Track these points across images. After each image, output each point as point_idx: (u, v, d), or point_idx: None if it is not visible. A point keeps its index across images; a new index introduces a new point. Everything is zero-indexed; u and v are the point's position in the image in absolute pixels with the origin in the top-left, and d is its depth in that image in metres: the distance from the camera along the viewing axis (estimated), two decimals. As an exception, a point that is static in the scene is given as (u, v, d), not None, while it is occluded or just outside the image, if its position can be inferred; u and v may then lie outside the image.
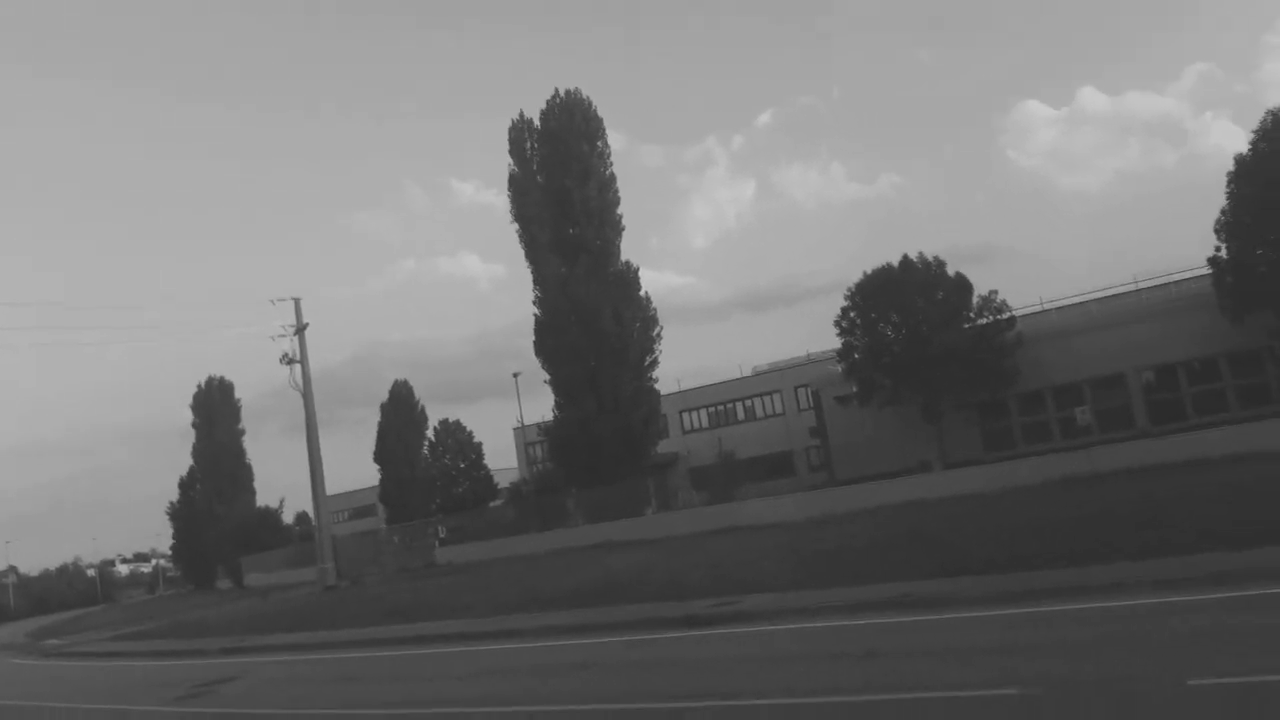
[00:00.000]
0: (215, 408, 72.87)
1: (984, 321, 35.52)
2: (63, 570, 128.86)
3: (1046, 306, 42.72)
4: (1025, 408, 36.91)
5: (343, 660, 16.80)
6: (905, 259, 36.91)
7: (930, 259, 36.77)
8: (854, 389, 37.77)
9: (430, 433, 61.05)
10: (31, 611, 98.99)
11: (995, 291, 35.89)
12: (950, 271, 36.43)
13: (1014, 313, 35.98)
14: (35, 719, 15.80)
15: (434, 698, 11.19)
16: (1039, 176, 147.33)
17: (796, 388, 51.50)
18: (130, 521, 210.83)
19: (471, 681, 11.98)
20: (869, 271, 37.33)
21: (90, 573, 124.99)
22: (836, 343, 38.08)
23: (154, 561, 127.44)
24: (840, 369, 38.52)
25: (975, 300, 35.85)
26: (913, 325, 35.51)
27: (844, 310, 37.20)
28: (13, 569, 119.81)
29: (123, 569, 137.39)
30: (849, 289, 37.30)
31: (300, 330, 39.98)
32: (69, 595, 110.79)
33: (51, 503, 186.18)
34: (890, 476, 31.87)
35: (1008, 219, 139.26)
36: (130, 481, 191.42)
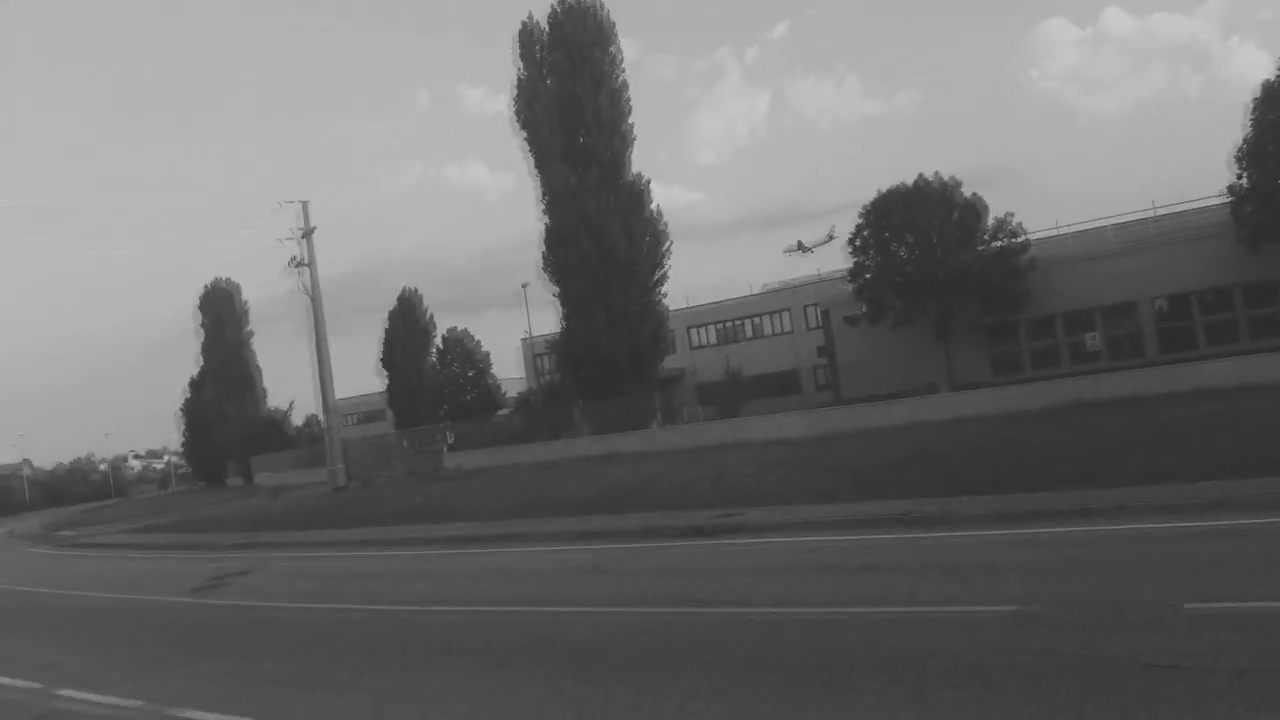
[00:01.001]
0: (222, 310, 73.17)
1: (998, 245, 35.21)
2: (76, 465, 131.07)
3: (1061, 231, 42.27)
4: (1035, 332, 36.84)
5: (354, 558, 17.21)
6: (920, 179, 36.42)
7: (945, 179, 36.27)
8: (864, 309, 37.68)
9: (438, 341, 61.34)
10: (45, 504, 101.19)
11: (1010, 214, 35.48)
12: (965, 193, 36.00)
13: (1028, 236, 35.62)
14: (55, 606, 16.27)
15: (447, 595, 11.50)
16: (1059, 98, 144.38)
17: (806, 307, 51.37)
18: (142, 419, 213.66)
19: (484, 581, 12.30)
20: (883, 191, 36.91)
21: (103, 468, 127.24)
22: (848, 262, 37.87)
23: (166, 458, 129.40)
24: (851, 289, 38.35)
25: (990, 223, 35.48)
26: (926, 246, 35.24)
27: (857, 229, 36.88)
28: (26, 462, 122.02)
29: (135, 465, 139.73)
30: (862, 208, 36.91)
31: (308, 234, 39.83)
32: (82, 489, 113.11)
33: (65, 399, 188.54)
34: (897, 397, 32.01)
35: (1025, 141, 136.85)
36: (142, 380, 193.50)
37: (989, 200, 35.88)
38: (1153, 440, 15.69)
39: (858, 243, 36.80)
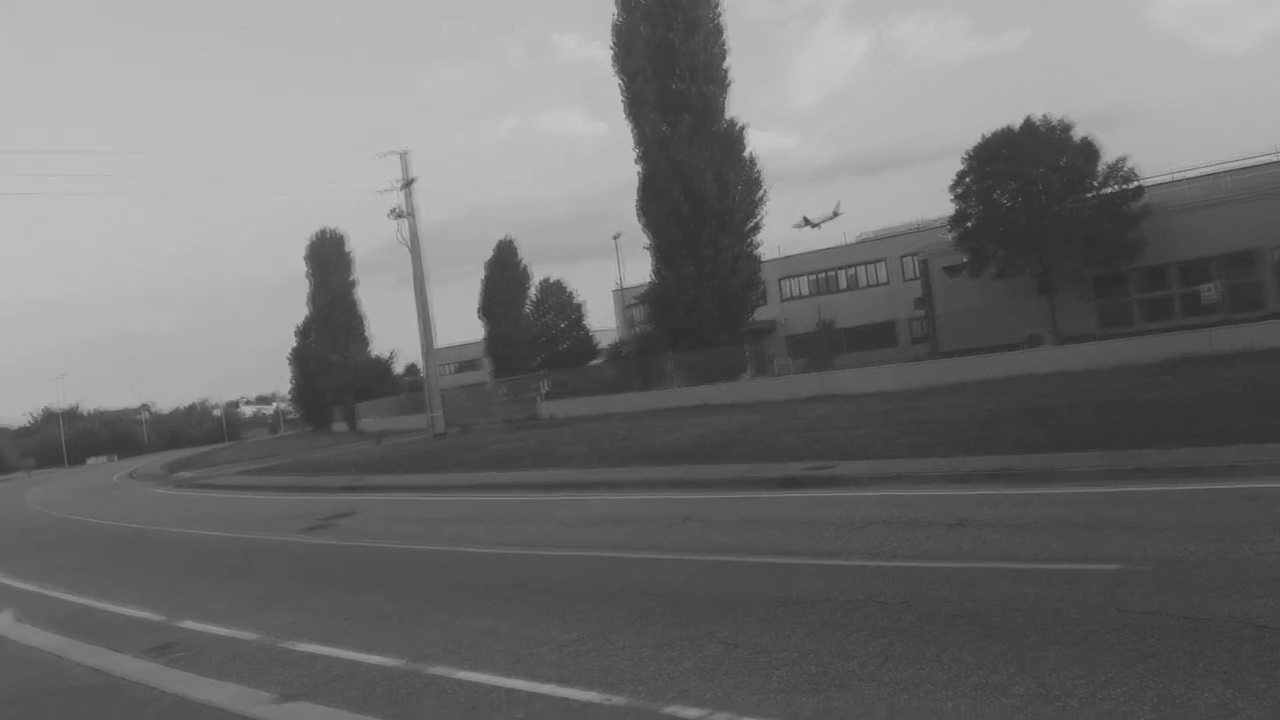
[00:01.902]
0: (328, 259, 75.47)
1: (1109, 190, 33.66)
2: (191, 409, 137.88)
3: (1177, 176, 40.23)
4: (1147, 283, 35.28)
5: (454, 501, 17.73)
6: (1028, 121, 34.96)
7: (1055, 122, 34.74)
8: (964, 258, 36.61)
9: (533, 291, 62.15)
10: (164, 446, 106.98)
11: (1124, 158, 33.83)
12: (1076, 136, 34.44)
13: (1142, 182, 33.94)
14: (174, 542, 17.23)
15: (543, 539, 11.78)
16: (1178, 35, 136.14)
17: (903, 256, 50.23)
18: (253, 366, 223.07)
19: (578, 527, 12.54)
20: (988, 134, 35.56)
21: (216, 412, 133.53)
22: (949, 210, 36.77)
23: (275, 404, 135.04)
24: (951, 237, 37.27)
25: (1101, 168, 33.90)
26: (1032, 193, 33.93)
27: (959, 175, 35.69)
28: (146, 406, 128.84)
29: (246, 410, 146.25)
30: (966, 153, 35.68)
31: (408, 184, 40.57)
32: (197, 433, 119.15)
33: (181, 346, 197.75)
34: (997, 350, 31.18)
35: (1141, 81, 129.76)
36: (252, 328, 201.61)
37: (1101, 144, 34.28)
38: (1269, 397, 14.94)
39: (960, 190, 35.63)
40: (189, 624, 9.26)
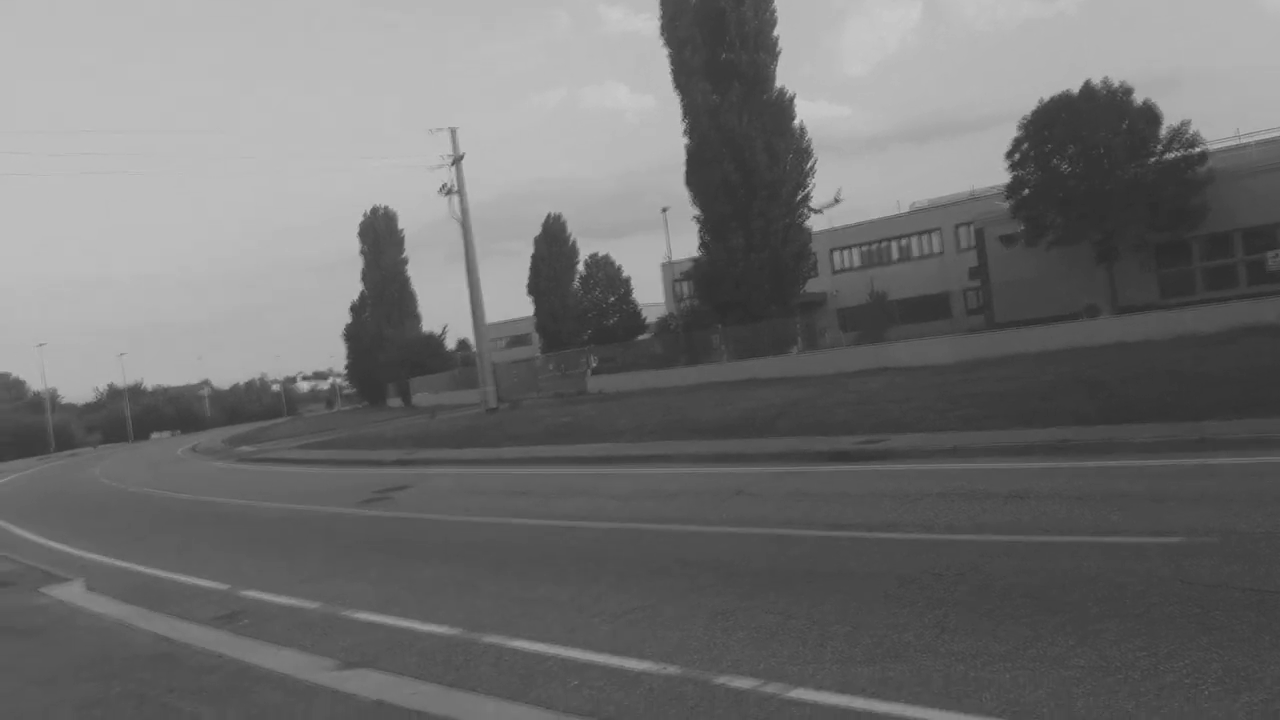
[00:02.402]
0: (380, 236, 76.37)
1: (1172, 156, 32.68)
2: (250, 385, 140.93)
3: (1243, 140, 38.93)
4: (1210, 250, 34.28)
5: (506, 475, 17.92)
6: (1087, 85, 34.01)
7: (1115, 85, 33.75)
8: (1021, 227, 35.86)
9: (581, 266, 62.32)
10: (225, 421, 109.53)
11: (1187, 122, 32.76)
12: (1137, 100, 33.45)
13: (1206, 146, 32.87)
14: (236, 515, 17.67)
15: (594, 512, 11.86)
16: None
17: (957, 226, 49.36)
18: (309, 342, 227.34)
19: (629, 500, 12.60)
20: (1045, 100, 34.68)
21: (275, 388, 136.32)
22: (1004, 178, 36.01)
23: (331, 379, 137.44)
24: (1007, 206, 36.51)
25: (1163, 132, 32.91)
26: (1091, 159, 33.05)
27: (1016, 142, 34.87)
28: (206, 382, 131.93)
29: (303, 385, 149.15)
30: (1022, 119, 34.82)
31: (457, 160, 40.77)
32: (256, 408, 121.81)
33: (239, 323, 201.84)
34: (1054, 321, 30.56)
35: (1204, 43, 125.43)
36: (308, 305, 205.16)
37: (1163, 108, 33.25)
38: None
39: (1016, 156, 34.83)
40: (252, 593, 9.50)
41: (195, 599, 9.63)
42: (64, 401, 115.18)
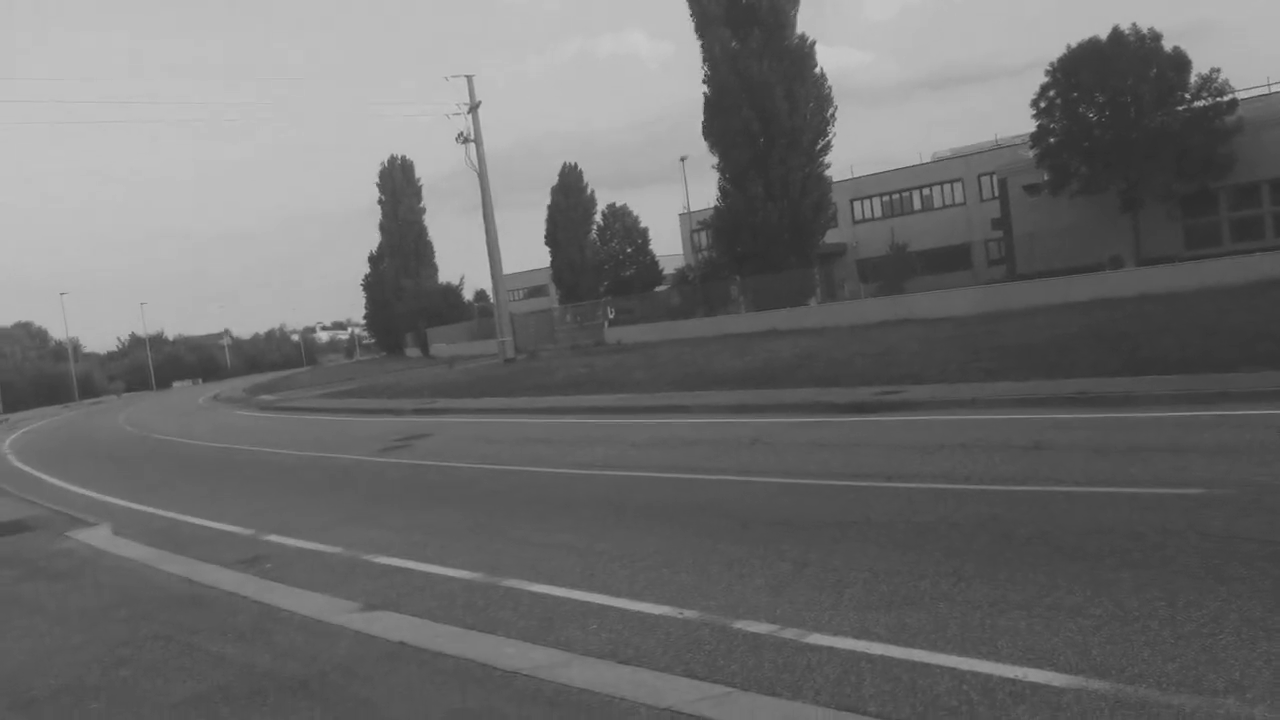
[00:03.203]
0: (398, 186, 76.11)
1: (1201, 104, 32.03)
2: (270, 335, 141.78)
3: (1274, 89, 38.09)
4: (1237, 201, 33.71)
5: (525, 424, 18.02)
6: (1115, 31, 33.26)
7: (1144, 32, 32.98)
8: (1046, 176, 35.35)
9: (598, 217, 61.98)
10: (245, 370, 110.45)
11: (1216, 70, 32.08)
12: (1166, 47, 32.70)
13: (1235, 95, 32.19)
14: (259, 462, 17.88)
15: (612, 460, 11.93)
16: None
17: (980, 176, 48.70)
18: (328, 293, 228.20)
19: (646, 448, 12.66)
20: (1073, 45, 33.97)
21: (294, 338, 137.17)
22: (1029, 126, 35.44)
23: (350, 329, 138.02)
24: (1032, 154, 35.95)
25: (1192, 80, 32.24)
26: (1119, 106, 32.44)
27: (1042, 89, 34.24)
28: (226, 332, 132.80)
29: (322, 335, 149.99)
30: (1049, 65, 34.17)
31: (474, 108, 40.42)
32: (276, 357, 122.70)
33: (258, 273, 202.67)
34: (1077, 272, 30.24)
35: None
36: (326, 255, 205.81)
37: (1192, 56, 32.51)
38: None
39: (1042, 104, 34.22)
40: (275, 538, 9.64)
41: (219, 543, 9.79)
42: (86, 350, 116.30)
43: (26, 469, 22.29)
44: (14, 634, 6.85)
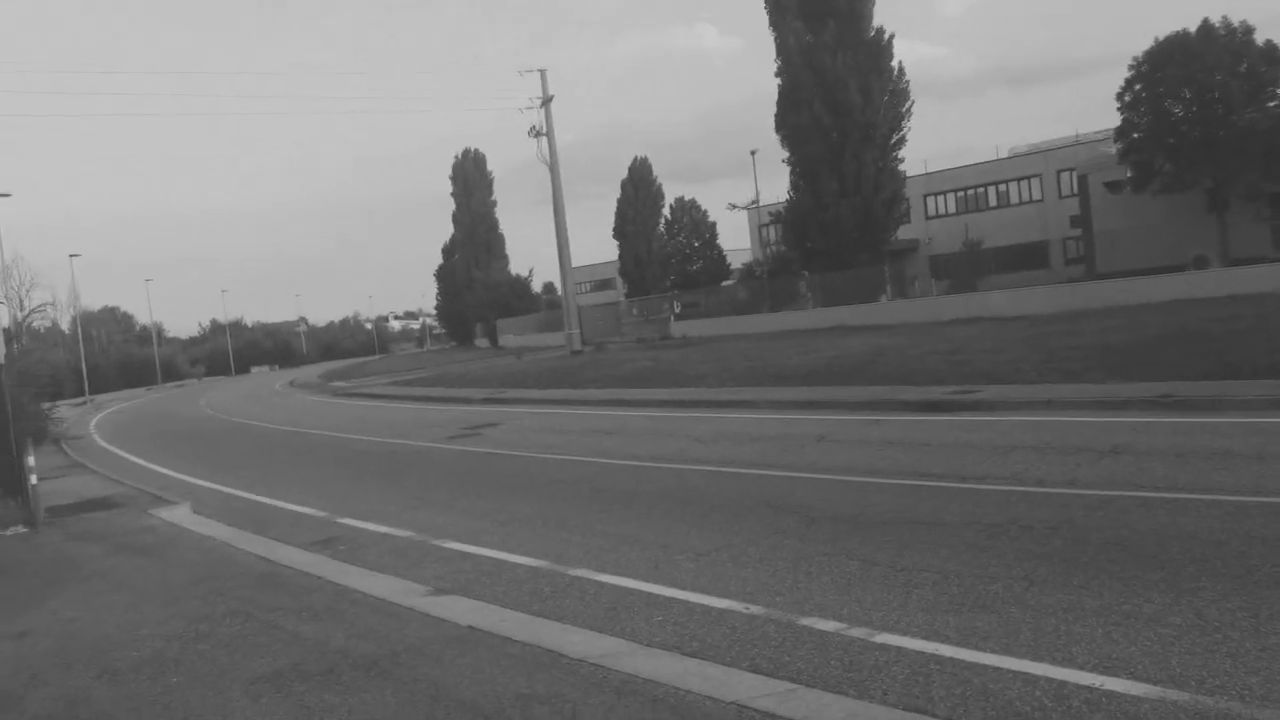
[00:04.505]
0: (470, 178, 77.07)
1: (1293, 100, 30.80)
2: (344, 323, 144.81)
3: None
4: (1332, 201, 32.32)
5: (590, 415, 18.14)
6: (1205, 24, 32.12)
7: (1235, 25, 31.78)
8: (1128, 173, 34.32)
9: (666, 211, 61.94)
10: (320, 357, 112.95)
11: (1313, 63, 30.75)
12: (1258, 40, 31.47)
13: (1335, 89, 30.86)
14: (332, 445, 18.29)
15: (677, 454, 11.94)
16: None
17: (1059, 172, 47.45)
18: (401, 282, 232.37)
19: (711, 443, 12.65)
20: (1159, 39, 32.90)
21: (368, 326, 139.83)
22: (1110, 123, 34.45)
23: (421, 319, 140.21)
24: (1115, 150, 34.94)
25: (1287, 75, 30.99)
26: (1207, 101, 31.32)
27: (1127, 82, 33.24)
28: (302, 319, 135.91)
29: (394, 324, 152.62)
30: (1134, 59, 33.16)
31: (546, 102, 40.71)
32: (350, 345, 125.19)
33: (334, 262, 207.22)
34: (1159, 272, 29.30)
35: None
36: (400, 245, 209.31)
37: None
38: None
39: (1127, 99, 33.22)
40: (348, 521, 9.88)
41: (294, 524, 10.06)
42: (169, 335, 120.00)
43: (111, 448, 23.16)
44: (101, 606, 7.14)
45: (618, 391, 21.16)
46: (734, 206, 59.07)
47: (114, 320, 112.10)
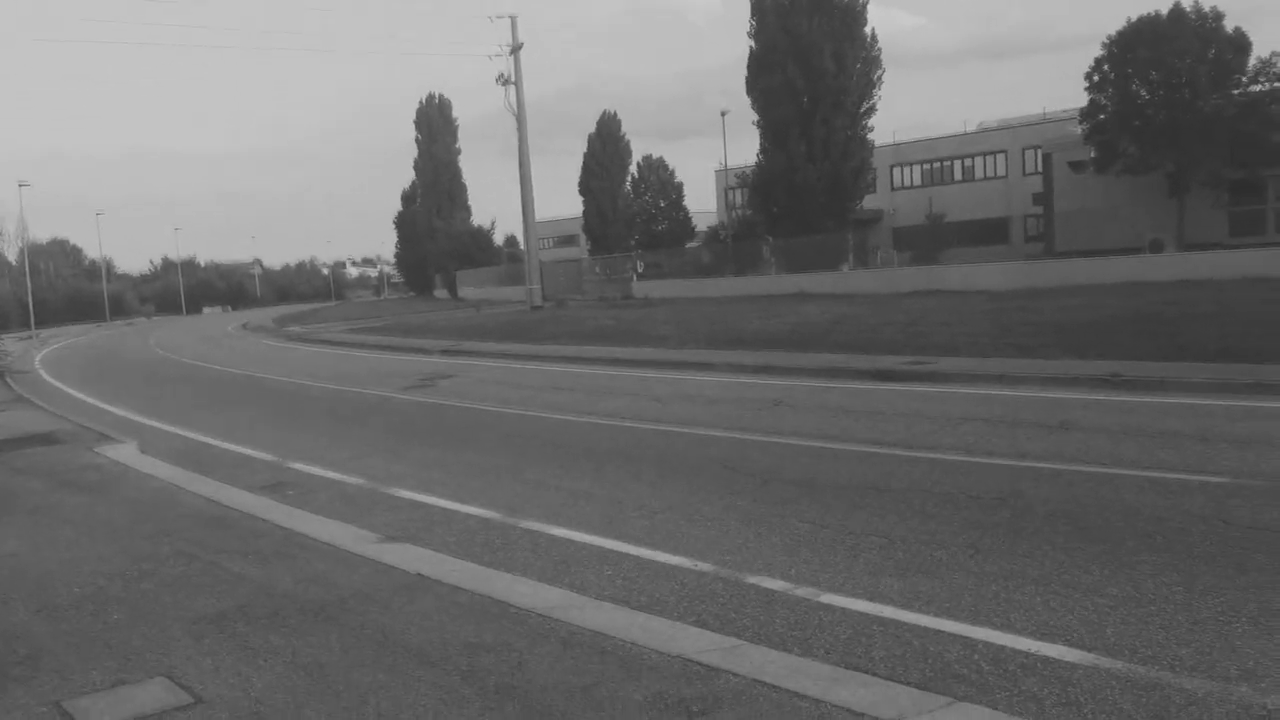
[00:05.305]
0: (435, 124, 75.81)
1: (1258, 88, 31.20)
2: (301, 267, 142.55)
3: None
4: (1287, 191, 32.94)
5: (548, 371, 18.09)
6: (1176, 7, 32.35)
7: (1206, 10, 32.07)
8: (1092, 153, 34.67)
9: (633, 168, 61.52)
10: (274, 300, 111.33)
11: (1277, 54, 31.15)
12: (1228, 26, 31.79)
13: (1298, 81, 31.31)
14: (285, 391, 18.07)
15: (634, 412, 11.95)
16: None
17: (1025, 149, 47.78)
18: (360, 228, 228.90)
19: (669, 403, 12.68)
20: (1132, 20, 33.10)
21: (324, 271, 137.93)
22: (1078, 102, 34.69)
23: (379, 267, 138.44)
24: (1080, 130, 35.24)
25: (1252, 63, 31.37)
26: (1173, 86, 31.64)
27: (1097, 62, 33.44)
28: (257, 261, 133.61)
29: (352, 271, 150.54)
30: (1106, 39, 33.35)
31: (515, 50, 40.06)
32: (305, 289, 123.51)
33: (292, 205, 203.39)
34: (1117, 253, 29.78)
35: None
36: (360, 191, 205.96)
37: (1254, 38, 31.61)
38: None
39: (1095, 79, 33.43)
40: (298, 465, 9.78)
41: (243, 467, 9.94)
42: (119, 271, 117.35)
43: (57, 384, 22.69)
44: (43, 542, 7.01)
45: (577, 348, 21.10)
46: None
47: (63, 254, 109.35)
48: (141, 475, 9.61)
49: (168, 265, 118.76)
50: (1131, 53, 32.47)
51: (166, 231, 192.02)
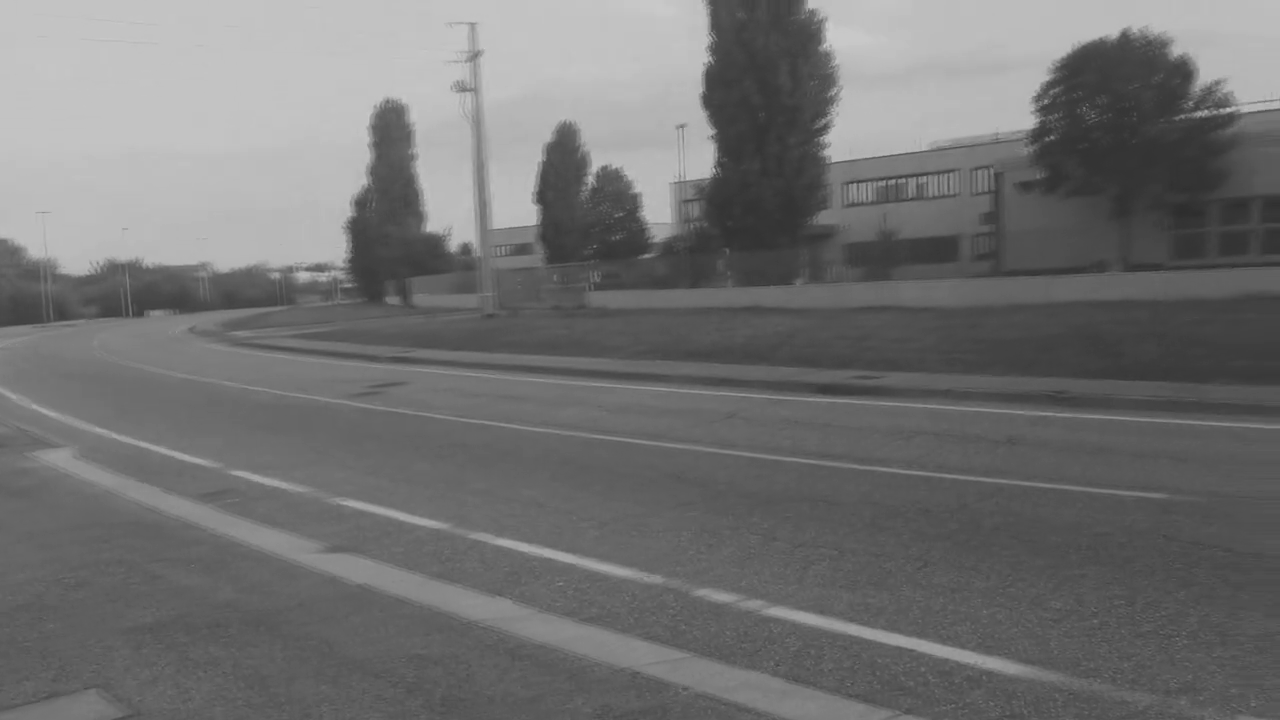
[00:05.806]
0: (390, 129, 75.09)
1: (1201, 115, 32.07)
2: (250, 270, 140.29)
3: (1274, 106, 38.19)
4: (1227, 215, 33.83)
5: (501, 380, 17.96)
6: (1124, 34, 33.14)
7: (1153, 36, 32.91)
8: (1040, 175, 35.37)
9: (591, 178, 61.50)
10: (221, 305, 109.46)
11: (1220, 81, 32.00)
12: (1174, 53, 32.66)
13: (1237, 108, 32.21)
14: (230, 397, 17.73)
15: (588, 423, 11.90)
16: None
17: (975, 169, 48.60)
18: (312, 233, 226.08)
19: (622, 414, 12.65)
20: (1080, 44, 33.85)
21: (274, 276, 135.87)
22: (1030, 123, 35.36)
23: (330, 272, 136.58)
24: (1029, 152, 35.94)
25: (1195, 89, 32.24)
26: (1120, 110, 32.41)
27: (1045, 86, 34.11)
28: (205, 264, 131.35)
29: (302, 276, 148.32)
30: (1054, 62, 34.03)
31: (474, 57, 39.92)
32: (254, 294, 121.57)
33: (242, 208, 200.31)
34: (1063, 273, 30.37)
35: (1246, 3, 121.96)
36: (311, 195, 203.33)
37: (1200, 64, 32.48)
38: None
39: (1045, 102, 34.09)
40: (241, 473, 9.57)
41: (184, 474, 9.71)
42: (62, 272, 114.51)
43: (-6, 386, 22.03)
44: (-29, 548, 6.78)
45: (530, 358, 20.99)
46: None
47: (4, 253, 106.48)
48: (78, 481, 9.36)
49: (113, 267, 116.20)
50: (1079, 77, 33.18)
51: (114, 234, 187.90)
